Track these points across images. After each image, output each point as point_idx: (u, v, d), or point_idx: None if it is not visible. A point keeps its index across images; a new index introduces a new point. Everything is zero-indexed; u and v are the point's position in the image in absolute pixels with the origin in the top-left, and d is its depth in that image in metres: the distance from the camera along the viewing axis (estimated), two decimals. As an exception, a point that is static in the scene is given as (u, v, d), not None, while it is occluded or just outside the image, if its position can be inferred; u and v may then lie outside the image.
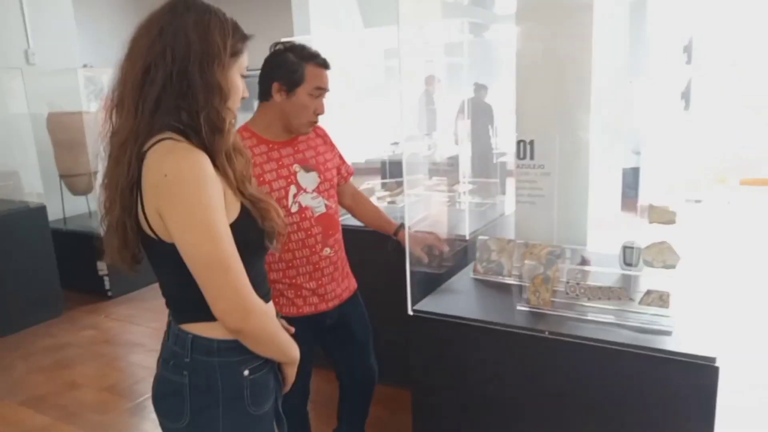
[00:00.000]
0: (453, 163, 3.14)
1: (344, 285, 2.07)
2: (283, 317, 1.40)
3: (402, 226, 2.14)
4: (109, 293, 4.71)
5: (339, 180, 2.10)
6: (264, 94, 1.88)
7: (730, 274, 1.69)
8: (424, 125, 3.85)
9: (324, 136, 2.08)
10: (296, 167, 1.91)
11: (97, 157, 4.88)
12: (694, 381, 1.51)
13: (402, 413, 2.65)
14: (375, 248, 2.21)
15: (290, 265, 1.92)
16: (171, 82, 1.13)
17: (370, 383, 2.26)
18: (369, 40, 5.76)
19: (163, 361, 1.28)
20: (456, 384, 1.89)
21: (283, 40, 1.93)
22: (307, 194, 1.92)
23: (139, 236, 1.19)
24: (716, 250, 2.02)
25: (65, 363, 3.65)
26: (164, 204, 1.11)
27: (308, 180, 1.93)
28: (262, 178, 1.82)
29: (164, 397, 1.28)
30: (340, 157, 2.14)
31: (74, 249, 4.69)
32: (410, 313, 1.92)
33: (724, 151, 7.26)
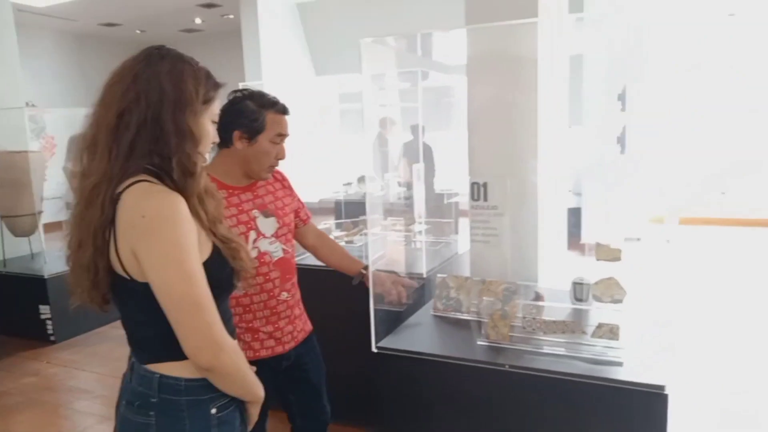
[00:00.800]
0: (409, 204, 3.23)
1: (299, 327, 2.08)
2: None
3: (367, 266, 2.19)
4: (52, 338, 4.50)
5: (297, 223, 2.14)
6: (224, 141, 1.89)
7: (674, 308, 1.82)
8: (377, 167, 3.96)
9: (282, 180, 2.12)
10: (255, 212, 1.93)
11: (41, 197, 4.75)
12: (645, 408, 1.60)
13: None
14: (334, 287, 2.25)
15: (247, 309, 1.93)
16: (145, 127, 1.17)
17: (323, 423, 2.26)
18: (321, 87, 5.91)
19: (127, 403, 1.27)
20: (420, 418, 1.93)
21: (240, 87, 1.97)
22: (266, 239, 1.94)
23: (109, 277, 1.20)
24: (658, 286, 2.17)
25: (2, 413, 3.46)
26: (141, 244, 1.13)
27: (267, 225, 1.95)
28: None
29: None
30: (299, 201, 2.18)
31: (15, 292, 4.49)
32: (374, 350, 1.95)
33: (663, 190, 7.67)
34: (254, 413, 1.39)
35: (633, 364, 1.72)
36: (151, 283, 1.14)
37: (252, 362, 1.86)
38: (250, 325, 1.94)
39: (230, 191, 1.90)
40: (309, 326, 2.14)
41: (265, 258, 1.93)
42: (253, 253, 1.90)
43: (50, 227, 5.38)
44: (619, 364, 1.72)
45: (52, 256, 4.76)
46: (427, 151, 4.51)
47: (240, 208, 1.91)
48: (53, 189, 5.13)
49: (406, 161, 3.99)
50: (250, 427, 1.41)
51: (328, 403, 2.23)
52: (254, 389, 1.33)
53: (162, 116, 1.18)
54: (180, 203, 1.16)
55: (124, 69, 1.21)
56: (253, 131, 1.85)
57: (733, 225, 8.27)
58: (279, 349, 1.97)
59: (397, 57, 3.23)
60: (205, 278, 1.17)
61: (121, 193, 1.16)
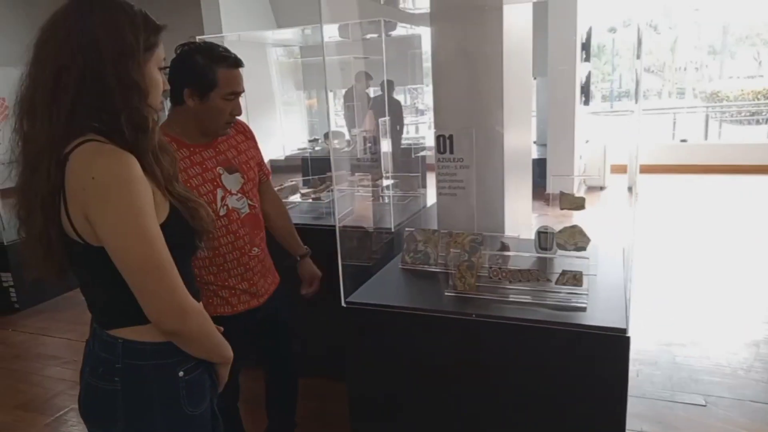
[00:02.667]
0: (376, 158, 3.21)
1: (270, 280, 2.09)
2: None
3: (307, 253, 2.21)
4: (16, 305, 4.42)
5: (261, 177, 2.09)
6: (176, 99, 1.81)
7: (636, 254, 1.87)
8: (347, 122, 3.91)
9: (245, 131, 2.06)
10: (220, 169, 1.88)
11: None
12: (607, 351, 1.66)
13: (335, 404, 2.69)
14: (306, 244, 2.25)
15: (222, 268, 1.92)
16: (85, 84, 1.10)
17: (293, 369, 2.31)
18: (283, 39, 5.74)
19: (90, 369, 1.25)
20: (390, 369, 1.96)
21: (189, 39, 1.87)
22: (233, 196, 1.91)
23: (63, 243, 1.16)
24: (621, 233, 2.22)
25: (-30, 383, 3.41)
26: (92, 207, 1.08)
27: (232, 181, 1.91)
28: (188, 184, 1.77)
29: (94, 407, 1.25)
30: (261, 155, 2.14)
31: (-27, 261, 4.36)
32: (343, 304, 1.97)
33: (625, 140, 7.81)
34: (224, 374, 1.38)
35: (596, 309, 1.77)
36: (107, 248, 1.10)
37: (231, 317, 1.89)
38: (226, 283, 1.93)
39: (192, 149, 1.85)
40: (278, 278, 2.15)
41: (234, 215, 1.90)
42: (222, 211, 1.87)
43: (6, 193, 5.20)
44: (583, 309, 1.77)
45: (10, 222, 4.61)
46: (396, 107, 4.47)
47: (204, 166, 1.86)
48: (8, 153, 4.93)
49: (372, 115, 3.94)
50: (221, 388, 1.41)
51: (298, 352, 2.27)
52: (222, 350, 1.31)
53: (102, 71, 1.10)
54: (132, 162, 1.10)
55: (55, 24, 1.13)
56: (204, 88, 1.76)
57: (692, 173, 8.49)
58: (255, 303, 1.99)
59: (360, 6, 3.15)
60: (164, 241, 1.13)
61: (68, 154, 1.10)
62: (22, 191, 1.16)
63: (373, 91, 4.66)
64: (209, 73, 1.75)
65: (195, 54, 1.78)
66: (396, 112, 4.49)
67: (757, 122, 13.29)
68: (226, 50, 1.82)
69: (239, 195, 1.93)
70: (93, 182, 1.07)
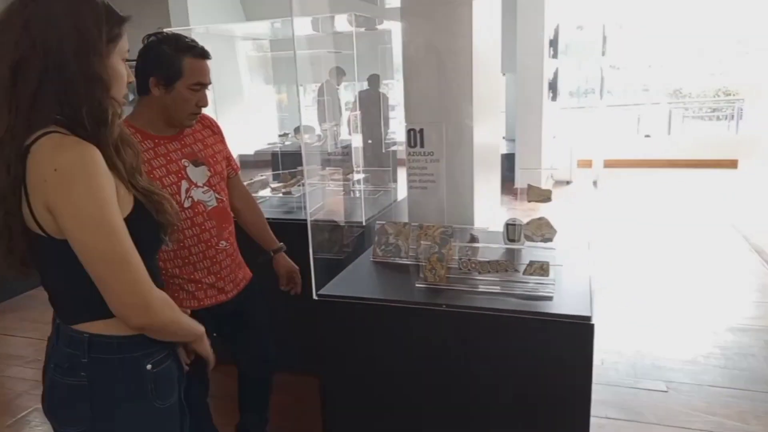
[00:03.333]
0: (347, 152, 3.22)
1: (240, 275, 2.08)
2: None
3: (281, 248, 2.20)
4: (-23, 304, 4.31)
5: (229, 172, 2.08)
6: (142, 89, 1.80)
7: (601, 245, 1.93)
8: (319, 117, 3.90)
9: (212, 126, 2.05)
10: (185, 162, 1.87)
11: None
12: (573, 338, 1.71)
13: (307, 399, 2.70)
14: (277, 238, 2.25)
15: (187, 261, 1.90)
16: (47, 77, 1.08)
17: (267, 365, 2.30)
18: (253, 33, 5.68)
19: (55, 366, 1.23)
20: (363, 361, 1.98)
21: (157, 30, 1.87)
22: (198, 188, 1.89)
23: (25, 237, 1.14)
24: (587, 225, 2.29)
25: (-71, 384, 3.31)
26: (55, 200, 1.07)
27: (198, 174, 1.90)
28: (151, 175, 1.76)
29: (60, 403, 1.23)
30: (229, 150, 2.12)
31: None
32: (315, 297, 1.98)
33: (591, 136, 7.96)
34: (204, 348, 1.38)
35: (562, 298, 1.82)
36: (70, 240, 1.09)
37: (197, 312, 1.87)
38: (192, 277, 1.92)
39: (157, 141, 1.83)
40: (249, 273, 2.14)
41: (199, 208, 1.89)
42: (187, 203, 1.86)
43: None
44: (549, 298, 1.82)
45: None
46: (380, 101, 4.46)
47: (168, 158, 1.84)
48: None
49: (362, 110, 3.94)
50: (211, 364, 1.43)
51: (273, 348, 2.26)
52: (192, 330, 1.32)
53: (64, 64, 1.08)
54: (95, 154, 1.09)
55: (12, 14, 1.10)
56: (169, 78, 1.76)
57: (656, 167, 8.71)
58: (222, 297, 1.98)
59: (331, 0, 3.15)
60: (128, 234, 1.12)
61: (29, 146, 1.08)
62: None
63: (344, 87, 4.65)
64: (175, 62, 1.75)
65: (162, 43, 1.78)
66: (381, 106, 4.50)
67: (718, 118, 13.68)
68: (194, 41, 1.81)
69: (206, 188, 1.91)
70: (55, 174, 1.06)
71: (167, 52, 1.76)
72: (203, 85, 1.83)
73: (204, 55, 1.82)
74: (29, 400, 3.05)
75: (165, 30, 1.93)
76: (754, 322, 3.55)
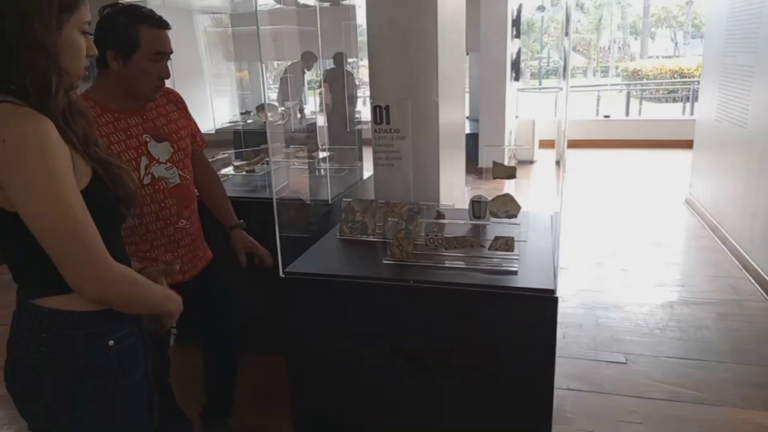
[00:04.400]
0: (311, 131, 3.19)
1: (200, 255, 2.05)
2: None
3: (239, 225, 2.18)
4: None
5: (194, 148, 2.05)
6: (100, 62, 1.74)
7: (564, 222, 1.98)
8: (284, 95, 3.85)
9: (177, 101, 2.00)
10: (146, 137, 1.83)
11: None
12: (537, 311, 1.74)
13: (275, 378, 2.69)
14: (241, 218, 2.21)
15: (144, 238, 1.87)
16: None
17: (232, 346, 2.29)
18: (211, 6, 5.53)
19: (15, 341, 1.21)
20: (330, 339, 1.98)
21: (113, 2, 1.82)
22: (160, 165, 1.85)
23: None
24: (550, 202, 2.33)
25: None
26: (4, 171, 1.03)
27: (160, 150, 1.86)
28: (110, 149, 1.70)
29: (19, 378, 1.21)
30: (195, 124, 2.08)
31: None
32: (281, 275, 1.96)
33: (552, 116, 8.07)
34: (168, 323, 1.36)
35: (526, 273, 1.85)
36: (21, 214, 1.06)
37: None
38: (148, 254, 1.88)
39: (116, 115, 1.78)
40: (209, 254, 2.11)
41: (160, 184, 1.85)
42: (147, 180, 1.81)
43: None
44: (514, 273, 1.84)
45: None
46: (349, 78, 4.42)
47: (128, 132, 1.79)
48: None
49: (328, 87, 3.90)
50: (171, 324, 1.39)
51: (236, 329, 2.25)
52: (162, 304, 1.30)
53: (6, 30, 1.04)
54: (46, 125, 1.06)
55: None
56: (126, 49, 1.71)
57: (614, 147, 8.89)
58: (178, 278, 1.93)
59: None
60: (85, 207, 1.09)
61: None
62: None
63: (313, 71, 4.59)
64: (132, 33, 1.70)
65: (117, 15, 1.72)
66: (349, 84, 4.47)
67: (674, 100, 14.05)
68: (151, 11, 1.76)
69: (168, 164, 1.87)
70: (4, 145, 1.02)
71: (123, 23, 1.71)
72: (162, 54, 1.77)
73: (161, 24, 1.77)
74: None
75: (121, 2, 1.87)
76: (708, 295, 3.68)
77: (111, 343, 1.21)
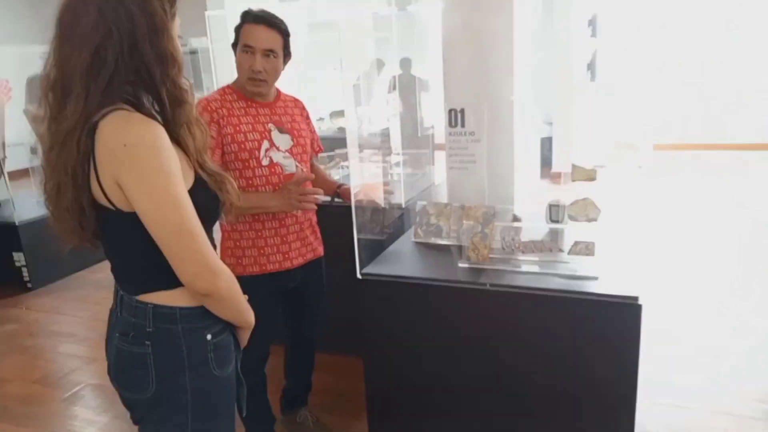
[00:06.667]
0: (385, 134, 3.22)
1: (308, 245, 2.11)
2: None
3: (342, 183, 2.30)
4: (29, 285, 4.47)
5: (311, 154, 2.18)
6: None
7: (647, 227, 1.89)
8: (355, 102, 3.91)
9: (302, 109, 2.16)
10: (271, 126, 1.99)
11: (3, 143, 4.56)
12: (620, 319, 1.68)
13: (348, 379, 2.75)
14: (319, 220, 2.26)
15: (256, 218, 1.97)
16: (123, 60, 1.12)
17: (311, 343, 2.35)
18: (289, 15, 5.68)
19: (120, 335, 1.28)
20: (405, 340, 1.99)
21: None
22: (279, 152, 1.99)
23: (95, 211, 1.19)
24: (632, 208, 2.24)
25: (-14, 359, 3.47)
26: (125, 173, 1.11)
27: (282, 140, 2.01)
28: (238, 128, 1.91)
29: (126, 370, 1.28)
30: (314, 132, 2.22)
31: (-15, 241, 4.40)
32: (359, 277, 1.99)
33: (636, 117, 7.76)
34: (244, 338, 1.42)
35: (608, 278, 1.79)
36: (140, 213, 1.13)
37: (259, 277, 1.95)
38: (259, 234, 1.99)
39: (249, 103, 1.98)
40: (320, 250, 2.17)
41: (276, 169, 1.97)
42: (265, 161, 1.95)
43: (15, 175, 5.23)
44: (595, 278, 1.80)
45: (20, 203, 4.65)
46: (414, 84, 4.45)
47: (257, 119, 1.98)
48: (13, 135, 4.91)
49: (398, 92, 3.95)
50: (243, 344, 1.44)
51: (315, 329, 2.31)
52: (246, 315, 1.35)
53: (139, 46, 1.12)
54: (159, 130, 1.14)
55: (81, 0, 1.13)
56: (235, 43, 1.96)
57: (700, 149, 8.45)
58: (287, 264, 2.02)
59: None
60: (192, 206, 1.16)
61: (97, 122, 1.12)
62: (51, 166, 1.18)
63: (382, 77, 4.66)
64: (238, 28, 1.94)
65: (243, 14, 1.95)
66: (415, 89, 4.52)
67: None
68: (261, 10, 1.93)
69: (286, 154, 2.01)
70: (124, 149, 1.10)
71: (239, 21, 1.94)
72: (251, 48, 1.89)
73: (257, 20, 1.90)
74: (81, 376, 3.17)
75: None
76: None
77: (209, 337, 1.28)
